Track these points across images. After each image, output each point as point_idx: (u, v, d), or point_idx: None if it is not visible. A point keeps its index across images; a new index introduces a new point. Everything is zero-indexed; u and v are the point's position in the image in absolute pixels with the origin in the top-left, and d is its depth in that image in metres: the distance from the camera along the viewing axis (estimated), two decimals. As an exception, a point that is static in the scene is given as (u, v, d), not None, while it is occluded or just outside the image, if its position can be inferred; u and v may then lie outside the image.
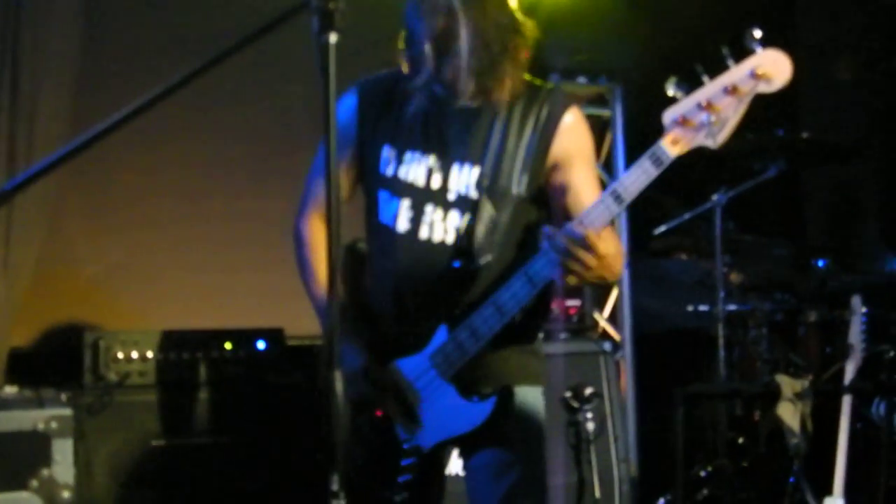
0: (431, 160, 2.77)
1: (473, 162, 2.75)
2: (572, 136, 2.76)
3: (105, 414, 4.22)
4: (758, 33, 2.30)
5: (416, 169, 2.78)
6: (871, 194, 6.58)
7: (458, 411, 2.69)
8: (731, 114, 2.33)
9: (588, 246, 2.38)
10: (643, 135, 6.11)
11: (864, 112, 6.56)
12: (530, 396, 2.83)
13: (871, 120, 6.47)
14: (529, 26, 2.74)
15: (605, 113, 6.30)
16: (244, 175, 5.35)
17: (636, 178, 2.40)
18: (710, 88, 2.33)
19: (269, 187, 5.16)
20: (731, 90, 2.32)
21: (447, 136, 2.76)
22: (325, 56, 1.87)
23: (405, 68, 2.77)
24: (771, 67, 2.31)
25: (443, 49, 2.66)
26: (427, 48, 2.66)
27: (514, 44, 2.70)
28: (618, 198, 2.41)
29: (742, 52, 2.33)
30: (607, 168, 6.28)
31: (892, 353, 4.55)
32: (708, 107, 2.33)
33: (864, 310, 4.54)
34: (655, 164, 2.39)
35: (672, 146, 2.38)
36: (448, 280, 2.72)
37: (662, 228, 5.35)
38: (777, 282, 5.49)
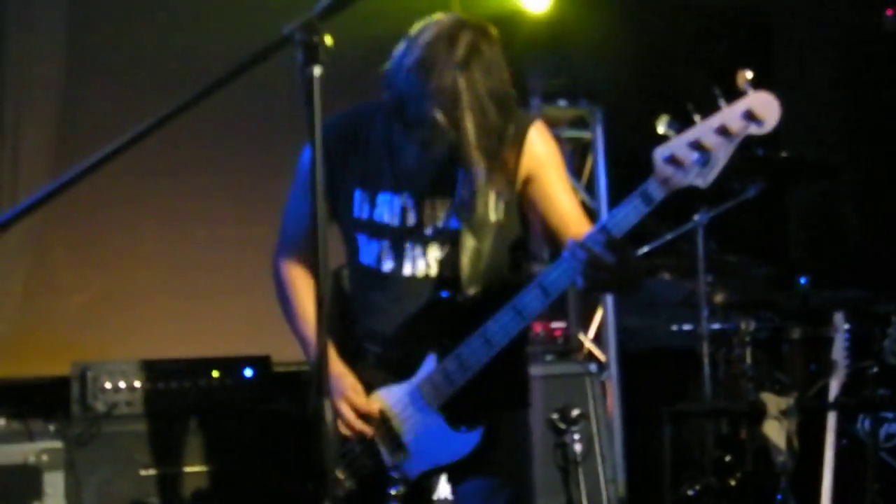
0: (403, 199, 2.79)
1: (445, 195, 2.76)
2: (539, 147, 2.79)
3: (93, 445, 4.22)
4: (749, 74, 2.31)
5: (390, 209, 2.79)
6: (852, 211, 6.63)
7: (445, 441, 2.70)
8: (722, 154, 2.34)
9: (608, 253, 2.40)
10: (624, 157, 6.19)
11: (842, 130, 6.62)
12: (518, 421, 2.86)
13: (850, 137, 6.53)
14: (514, 96, 2.73)
15: (585, 135, 6.34)
16: (228, 202, 5.36)
17: (626, 214, 2.41)
18: (702, 128, 2.34)
19: (253, 214, 5.17)
20: (722, 131, 2.32)
21: (416, 173, 2.78)
22: (310, 89, 1.89)
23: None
24: (762, 109, 2.31)
25: (452, 120, 2.60)
26: (440, 117, 2.57)
27: (508, 119, 2.69)
28: (607, 233, 2.42)
29: (733, 93, 2.33)
30: (589, 190, 6.31)
31: (875, 369, 4.57)
32: (699, 146, 2.33)
33: (846, 326, 4.56)
34: (645, 202, 2.40)
35: (662, 184, 2.38)
36: (436, 310, 2.74)
37: (645, 249, 5.38)
38: (760, 300, 5.53)
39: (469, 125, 2.58)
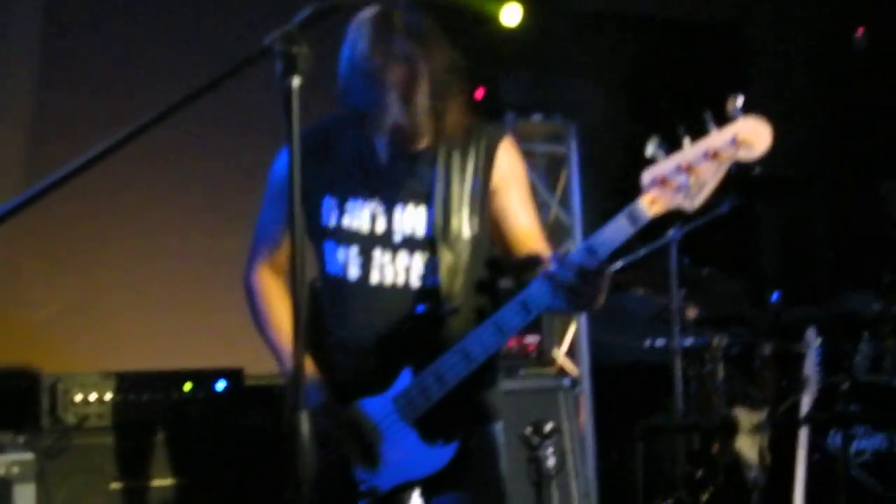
0: (373, 205, 2.79)
1: (417, 202, 2.78)
2: (505, 162, 2.81)
3: (63, 457, 4.17)
4: (740, 100, 2.31)
5: (360, 215, 2.80)
6: (824, 227, 6.69)
7: (419, 455, 2.69)
8: (710, 178, 2.33)
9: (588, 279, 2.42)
10: (599, 171, 6.21)
11: (814, 146, 6.68)
12: (491, 435, 2.85)
13: (822, 154, 6.59)
14: (466, 70, 2.79)
15: (560, 150, 6.36)
16: (200, 215, 5.35)
17: (612, 234, 2.41)
18: (691, 152, 2.34)
19: (225, 227, 5.15)
20: (712, 155, 2.32)
21: (387, 180, 2.79)
22: (289, 100, 1.89)
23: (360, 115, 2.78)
24: (752, 135, 2.31)
25: (404, 96, 2.69)
26: (392, 96, 2.68)
27: (463, 86, 2.76)
28: (592, 253, 2.43)
29: (723, 118, 2.33)
30: (563, 204, 6.33)
31: (846, 385, 4.61)
32: (687, 169, 2.33)
33: (818, 342, 4.60)
34: (632, 223, 2.40)
35: (650, 206, 2.38)
36: (412, 324, 2.73)
37: (619, 263, 5.40)
38: (732, 315, 5.56)
39: (421, 98, 2.66)
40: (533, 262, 2.70)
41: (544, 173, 6.42)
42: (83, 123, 4.85)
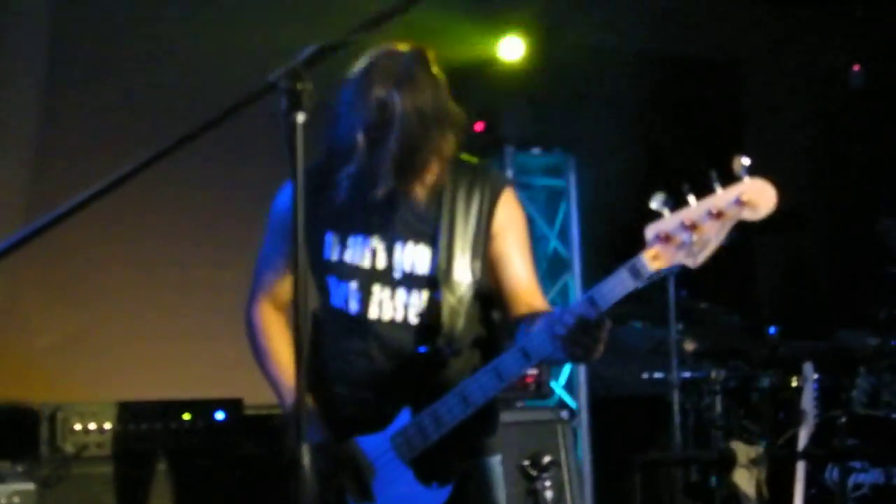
0: (374, 241, 2.81)
1: (417, 240, 2.80)
2: (506, 210, 2.83)
3: (62, 487, 4.16)
4: (746, 161, 2.31)
5: (360, 251, 2.81)
6: (822, 262, 6.71)
7: (414, 495, 2.69)
8: (713, 236, 2.33)
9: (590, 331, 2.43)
10: (597, 205, 6.24)
11: (812, 181, 6.71)
12: (488, 468, 2.85)
13: (819, 190, 6.63)
14: (458, 115, 2.79)
15: (559, 183, 6.40)
16: (200, 245, 5.36)
17: (613, 286, 2.42)
18: (696, 210, 2.33)
19: (225, 257, 5.16)
20: (716, 214, 2.31)
21: (388, 217, 2.81)
22: (293, 135, 1.90)
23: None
24: (756, 196, 2.30)
25: (373, 141, 2.70)
26: (360, 138, 2.69)
27: (441, 136, 2.74)
28: (593, 304, 2.44)
29: (728, 177, 2.31)
30: (562, 238, 6.36)
31: (843, 419, 4.62)
32: (692, 227, 2.33)
33: (815, 376, 4.61)
34: (634, 276, 2.40)
35: (652, 261, 2.39)
36: (412, 364, 2.75)
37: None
38: (730, 349, 5.57)
39: (393, 145, 2.65)
40: (532, 316, 2.71)
41: (543, 207, 6.45)
42: (85, 158, 4.88)
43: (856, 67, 6.34)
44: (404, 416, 2.71)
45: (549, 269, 6.35)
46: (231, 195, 5.40)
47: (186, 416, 4.46)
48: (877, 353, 5.04)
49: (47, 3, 4.98)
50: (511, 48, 5.89)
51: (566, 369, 6.15)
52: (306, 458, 1.89)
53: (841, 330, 5.45)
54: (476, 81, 5.70)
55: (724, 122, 6.87)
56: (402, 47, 2.77)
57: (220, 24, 5.28)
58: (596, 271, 5.89)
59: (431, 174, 2.77)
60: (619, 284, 2.41)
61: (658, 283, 5.08)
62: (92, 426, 4.30)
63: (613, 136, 6.31)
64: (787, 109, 7.01)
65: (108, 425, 4.33)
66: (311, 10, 5.13)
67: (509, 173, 5.94)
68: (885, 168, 6.28)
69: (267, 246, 2.97)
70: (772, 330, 5.44)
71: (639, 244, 2.46)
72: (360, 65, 2.74)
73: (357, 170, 2.73)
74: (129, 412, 4.38)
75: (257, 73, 1.96)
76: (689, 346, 5.38)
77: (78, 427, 4.28)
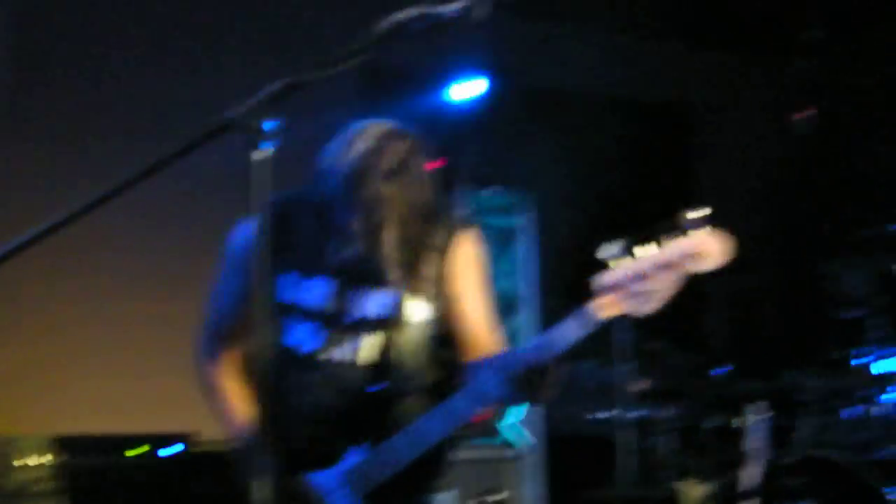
0: (331, 284, 2.82)
1: (373, 284, 2.81)
2: (464, 250, 2.85)
3: (4, 524, 4.12)
4: (698, 213, 2.34)
5: (316, 293, 2.82)
6: (771, 305, 6.79)
7: None
8: (663, 287, 2.35)
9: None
10: (551, 243, 6.28)
11: (761, 225, 6.81)
12: (439, 505, 2.87)
13: (768, 233, 6.72)
14: (448, 206, 2.83)
15: (512, 223, 6.43)
16: (147, 279, 5.34)
17: (563, 334, 2.46)
18: (646, 261, 2.36)
19: (173, 291, 5.15)
20: (665, 266, 2.35)
21: (346, 261, 2.81)
22: (252, 173, 1.91)
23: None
24: (707, 249, 2.33)
25: (370, 232, 2.72)
26: (356, 226, 2.71)
27: (434, 229, 2.80)
28: (544, 351, 2.48)
29: (677, 230, 2.33)
30: (514, 278, 6.39)
31: (789, 460, 4.66)
32: (641, 278, 2.36)
33: (762, 417, 4.66)
34: (583, 326, 2.45)
35: (600, 310, 2.43)
36: (366, 401, 2.76)
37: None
38: (678, 388, 5.62)
39: (387, 238, 2.67)
40: (488, 358, 2.72)
41: (498, 245, 6.48)
42: (36, 190, 4.85)
43: (802, 114, 6.46)
44: (357, 454, 2.71)
45: (505, 306, 6.38)
46: (179, 230, 5.39)
47: (134, 451, 4.41)
48: (822, 395, 5.12)
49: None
50: (466, 88, 5.93)
51: (520, 407, 6.16)
52: (260, 493, 1.89)
53: (787, 371, 5.51)
54: (431, 120, 5.73)
55: (677, 165, 6.97)
56: (401, 129, 2.77)
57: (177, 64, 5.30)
58: (549, 311, 5.93)
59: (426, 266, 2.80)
60: (569, 332, 2.45)
61: (608, 322, 5.14)
62: (34, 461, 4.24)
63: (566, 176, 6.37)
64: (739, 153, 7.12)
65: (50, 459, 4.27)
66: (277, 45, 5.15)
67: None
68: (833, 212, 6.38)
69: (221, 282, 2.96)
70: (720, 370, 5.50)
71: (592, 286, 2.48)
72: (360, 140, 2.73)
73: (355, 259, 2.74)
74: (73, 446, 4.32)
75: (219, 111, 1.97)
76: (638, 385, 5.42)
77: (19, 462, 4.21)
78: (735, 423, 5.21)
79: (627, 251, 2.37)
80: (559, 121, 6.34)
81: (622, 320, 5.02)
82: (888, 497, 4.55)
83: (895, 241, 5.26)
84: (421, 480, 2.79)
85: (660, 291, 2.37)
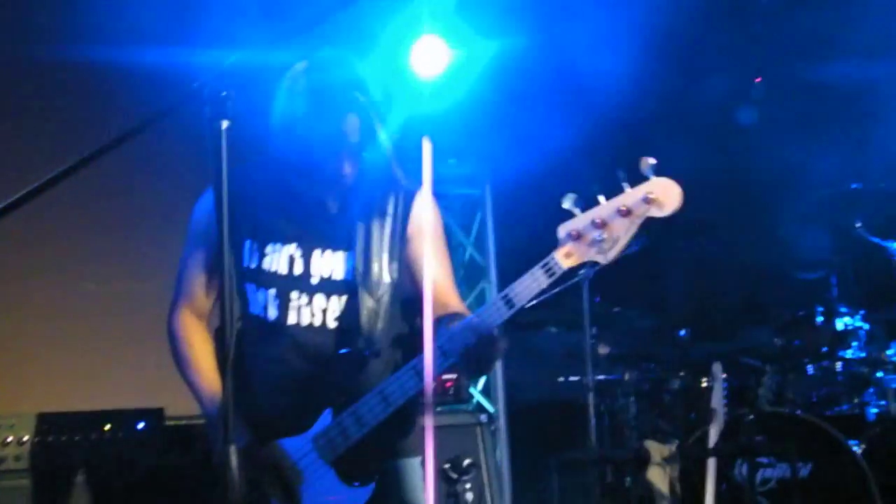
0: (292, 248, 2.87)
1: (335, 248, 2.86)
2: (422, 212, 2.92)
3: (-20, 501, 4.13)
4: (652, 161, 2.43)
5: (278, 258, 2.86)
6: (728, 268, 6.88)
7: (337, 495, 2.74)
8: (623, 234, 2.47)
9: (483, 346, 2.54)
10: (512, 213, 6.33)
11: (717, 189, 6.88)
12: (410, 468, 2.92)
13: (724, 196, 6.80)
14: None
15: (475, 192, 6.49)
16: (118, 257, 5.34)
17: (528, 285, 2.54)
18: (605, 208, 2.47)
19: (144, 269, 5.16)
20: (625, 212, 2.45)
21: (306, 225, 2.87)
22: (217, 142, 1.95)
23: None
24: (662, 194, 2.44)
25: (333, 201, 2.80)
26: (346, 166, 2.79)
27: (392, 198, 2.90)
28: (508, 302, 2.55)
29: (637, 177, 2.44)
30: (478, 246, 6.45)
31: (751, 417, 4.75)
32: (602, 225, 2.46)
33: (724, 376, 4.74)
34: (548, 274, 2.53)
35: (565, 258, 2.51)
36: (332, 366, 2.80)
37: (532, 302, 5.51)
38: (642, 352, 5.71)
39: (349, 202, 2.79)
40: (450, 316, 2.79)
41: (459, 215, 6.53)
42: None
43: (758, 79, 6.54)
44: (326, 418, 2.76)
45: (465, 276, 6.44)
46: (149, 207, 5.38)
47: (107, 427, 4.42)
48: (782, 353, 5.21)
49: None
50: (428, 60, 5.94)
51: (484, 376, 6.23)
52: (234, 461, 1.93)
53: (751, 329, 5.60)
54: (394, 91, 5.74)
55: (631, 132, 7.01)
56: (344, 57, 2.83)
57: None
58: (512, 278, 5.98)
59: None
60: (534, 282, 2.53)
61: (572, 289, 5.21)
62: (9, 439, 4.25)
63: (529, 146, 6.41)
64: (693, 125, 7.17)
65: (25, 437, 4.28)
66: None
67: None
68: (783, 178, 6.45)
69: (187, 253, 2.98)
70: (682, 333, 5.58)
71: (553, 250, 2.55)
72: (303, 72, 2.79)
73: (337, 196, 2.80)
74: (47, 424, 4.34)
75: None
76: (603, 349, 5.51)
77: (-4, 440, 4.23)
78: (698, 383, 5.30)
79: (589, 201, 2.46)
80: (521, 92, 6.37)
81: (587, 286, 5.11)
82: (853, 449, 4.66)
83: (855, 199, 5.32)
84: (390, 444, 2.86)
85: (621, 238, 2.46)
